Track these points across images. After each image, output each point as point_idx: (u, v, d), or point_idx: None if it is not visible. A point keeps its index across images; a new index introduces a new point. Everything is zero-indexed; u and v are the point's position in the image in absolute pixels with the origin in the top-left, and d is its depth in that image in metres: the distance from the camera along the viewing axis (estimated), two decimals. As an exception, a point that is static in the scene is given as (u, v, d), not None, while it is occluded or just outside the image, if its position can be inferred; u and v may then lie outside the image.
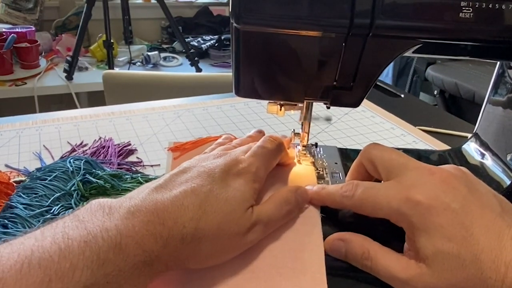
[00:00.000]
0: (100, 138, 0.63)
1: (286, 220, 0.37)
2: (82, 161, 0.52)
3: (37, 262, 0.24)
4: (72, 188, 0.48)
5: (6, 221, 0.43)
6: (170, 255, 0.29)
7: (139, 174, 0.54)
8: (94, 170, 0.51)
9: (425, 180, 0.32)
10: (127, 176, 0.52)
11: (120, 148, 0.59)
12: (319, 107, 0.43)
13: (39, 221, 0.43)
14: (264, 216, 0.34)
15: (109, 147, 0.59)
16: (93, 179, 0.49)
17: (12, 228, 0.42)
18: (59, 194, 0.47)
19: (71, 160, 0.52)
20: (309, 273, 0.33)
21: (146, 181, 0.52)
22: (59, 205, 0.46)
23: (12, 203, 0.45)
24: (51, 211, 0.45)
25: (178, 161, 0.47)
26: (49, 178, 0.49)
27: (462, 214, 0.29)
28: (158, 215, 0.29)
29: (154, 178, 0.52)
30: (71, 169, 0.50)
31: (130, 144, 0.61)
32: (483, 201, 0.30)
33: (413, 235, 0.30)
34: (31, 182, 0.49)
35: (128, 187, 0.50)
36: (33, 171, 0.53)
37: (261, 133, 0.47)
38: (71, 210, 0.45)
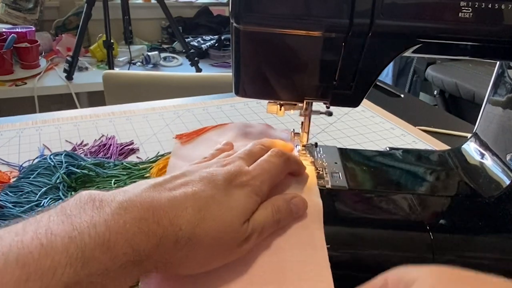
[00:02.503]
0: (102, 136, 0.63)
1: (276, 228, 0.35)
2: (63, 155, 0.53)
3: (14, 258, 0.22)
4: (58, 181, 0.49)
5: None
6: (161, 256, 0.28)
7: (122, 161, 0.54)
8: (76, 162, 0.52)
9: None
10: (109, 164, 0.53)
11: (122, 147, 0.60)
12: (318, 107, 0.43)
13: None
14: (258, 225, 0.33)
15: (111, 145, 0.60)
16: (77, 170, 0.50)
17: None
18: (45, 188, 0.47)
19: (51, 156, 0.53)
20: (312, 281, 0.33)
21: (133, 166, 0.52)
22: (47, 198, 0.46)
23: (0, 203, 0.45)
24: (41, 204, 0.45)
25: (185, 146, 0.47)
26: (32, 176, 0.50)
27: None
28: (153, 212, 0.28)
29: (141, 163, 0.52)
30: (53, 164, 0.51)
31: (132, 143, 0.61)
32: None
33: None
34: (15, 181, 0.50)
35: (114, 173, 0.51)
36: (25, 162, 0.53)
37: (265, 145, 0.42)
38: (60, 201, 0.45)
